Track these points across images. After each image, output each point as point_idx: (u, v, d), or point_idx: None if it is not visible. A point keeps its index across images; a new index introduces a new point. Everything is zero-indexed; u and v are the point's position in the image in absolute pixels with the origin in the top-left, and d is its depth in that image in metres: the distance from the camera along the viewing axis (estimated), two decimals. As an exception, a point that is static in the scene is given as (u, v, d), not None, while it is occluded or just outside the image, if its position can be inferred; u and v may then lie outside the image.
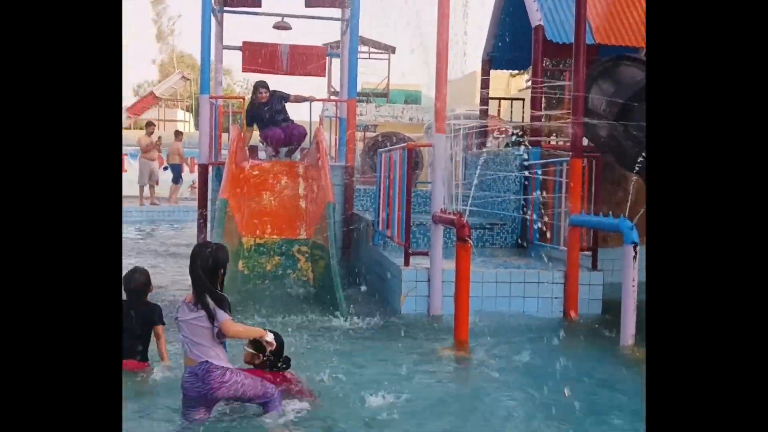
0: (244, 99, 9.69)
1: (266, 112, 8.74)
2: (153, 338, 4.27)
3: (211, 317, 3.21)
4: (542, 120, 7.37)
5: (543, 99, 7.77)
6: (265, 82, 8.87)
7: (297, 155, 9.20)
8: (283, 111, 8.89)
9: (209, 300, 3.23)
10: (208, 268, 3.29)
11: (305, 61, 9.86)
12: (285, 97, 8.92)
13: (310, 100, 9.14)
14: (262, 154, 9.54)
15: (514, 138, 8.36)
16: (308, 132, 9.22)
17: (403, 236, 6.30)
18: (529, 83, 16.75)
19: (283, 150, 8.94)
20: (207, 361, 3.23)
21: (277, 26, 10.89)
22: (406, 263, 6.16)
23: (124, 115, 28.52)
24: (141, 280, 4.27)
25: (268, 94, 8.75)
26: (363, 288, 6.89)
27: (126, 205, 15.31)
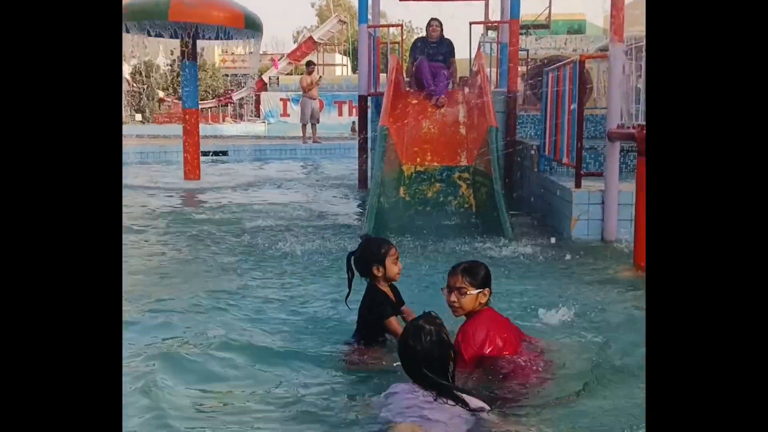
0: (402, 26, 9.48)
1: (432, 50, 8.55)
2: None
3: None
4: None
5: None
6: (438, 20, 8.68)
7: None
8: (445, 59, 8.65)
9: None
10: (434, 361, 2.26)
11: (464, -16, 9.42)
12: (452, 52, 8.71)
13: (460, 80, 8.77)
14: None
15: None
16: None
17: (574, 157, 5.85)
18: None
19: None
20: None
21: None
22: (578, 185, 5.72)
23: (286, 61, 29.56)
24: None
25: (440, 31, 8.57)
26: (530, 215, 6.54)
27: (290, 143, 15.92)
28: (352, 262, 3.13)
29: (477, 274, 2.75)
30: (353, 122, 19.93)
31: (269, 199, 8.39)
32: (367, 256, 3.10)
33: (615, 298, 3.89)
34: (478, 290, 2.73)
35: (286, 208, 7.62)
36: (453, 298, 2.74)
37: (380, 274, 3.08)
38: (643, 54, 5.97)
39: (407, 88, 8.63)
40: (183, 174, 10.00)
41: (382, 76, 9.49)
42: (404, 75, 8.74)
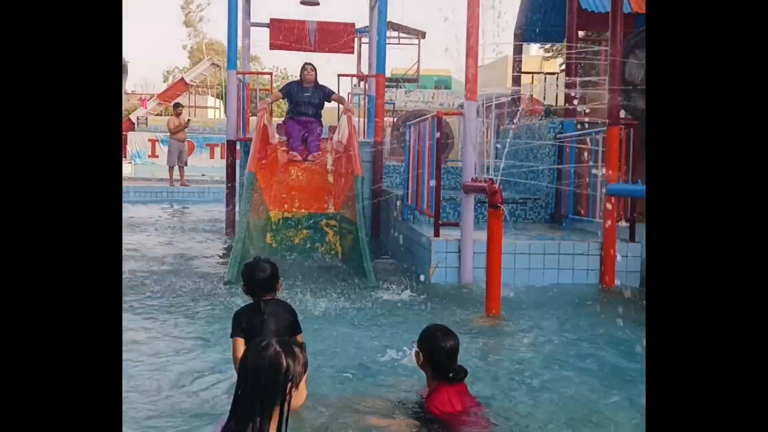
0: (272, 74, 9.61)
1: (305, 98, 8.51)
2: None
3: None
4: (577, 88, 7.14)
5: (578, 67, 7.53)
6: (313, 64, 8.61)
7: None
8: (320, 106, 8.67)
9: None
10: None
11: (334, 37, 9.71)
12: (328, 94, 8.69)
13: (349, 110, 8.71)
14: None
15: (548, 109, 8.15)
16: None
17: (433, 207, 6.15)
18: (563, 67, 16.42)
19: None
20: None
21: (304, 2, 10.78)
22: (436, 234, 6.02)
23: (155, 102, 28.80)
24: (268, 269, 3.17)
25: (314, 76, 8.54)
26: (391, 260, 6.77)
27: (157, 185, 15.45)
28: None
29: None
30: (202, 173, 19.96)
31: (133, 244, 8.11)
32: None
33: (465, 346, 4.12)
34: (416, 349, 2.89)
35: (152, 252, 7.41)
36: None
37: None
38: (493, 113, 6.44)
39: (275, 137, 8.71)
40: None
41: (252, 120, 9.51)
42: (272, 124, 8.80)
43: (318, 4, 10.82)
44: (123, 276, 6.07)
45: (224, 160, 18.09)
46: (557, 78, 10.74)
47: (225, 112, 33.51)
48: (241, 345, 2.97)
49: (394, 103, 13.74)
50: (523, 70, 10.29)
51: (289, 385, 1.88)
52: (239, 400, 1.88)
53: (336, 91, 9.13)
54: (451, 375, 2.78)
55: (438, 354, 2.79)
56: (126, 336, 3.94)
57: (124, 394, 3.13)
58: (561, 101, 9.81)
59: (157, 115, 28.92)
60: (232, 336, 3.07)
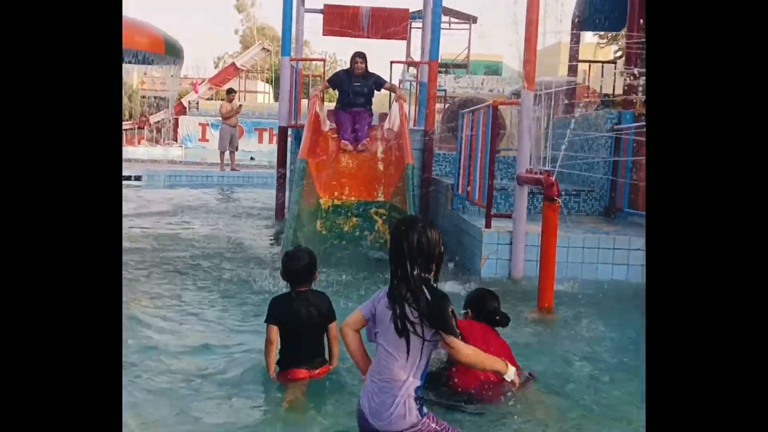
0: (324, 61, 9.62)
1: (355, 88, 8.39)
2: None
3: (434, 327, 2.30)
4: (638, 79, 6.93)
5: (639, 57, 7.30)
6: (364, 54, 8.43)
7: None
8: (370, 96, 8.52)
9: (427, 303, 2.31)
10: (421, 252, 2.31)
11: (387, 23, 9.65)
12: (380, 83, 8.54)
13: (401, 98, 8.61)
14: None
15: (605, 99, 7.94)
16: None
17: (485, 198, 6.07)
18: (618, 54, 15.97)
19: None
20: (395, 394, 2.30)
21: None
22: (488, 225, 5.94)
23: (206, 86, 29.21)
24: (304, 259, 3.28)
25: (364, 67, 8.40)
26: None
27: (207, 169, 15.68)
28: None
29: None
30: (251, 156, 20.30)
31: (186, 230, 8.24)
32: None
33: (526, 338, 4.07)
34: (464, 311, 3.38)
35: (206, 239, 7.52)
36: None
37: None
38: (552, 101, 6.31)
39: (327, 124, 8.71)
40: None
41: (304, 104, 9.54)
42: (323, 111, 8.80)
43: (371, -10, 10.76)
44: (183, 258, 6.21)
45: (272, 145, 18.25)
46: (615, 67, 10.46)
47: (274, 97, 33.96)
48: (274, 331, 3.15)
49: (445, 90, 13.59)
50: (578, 55, 10.04)
51: None
52: None
53: (387, 78, 9.06)
54: (498, 317, 3.30)
55: (485, 310, 3.32)
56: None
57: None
58: (618, 90, 9.55)
59: (208, 99, 29.36)
60: (265, 322, 3.19)
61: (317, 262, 3.35)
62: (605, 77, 10.93)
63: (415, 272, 2.30)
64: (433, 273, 2.38)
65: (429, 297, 2.29)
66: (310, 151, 7.47)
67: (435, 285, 2.37)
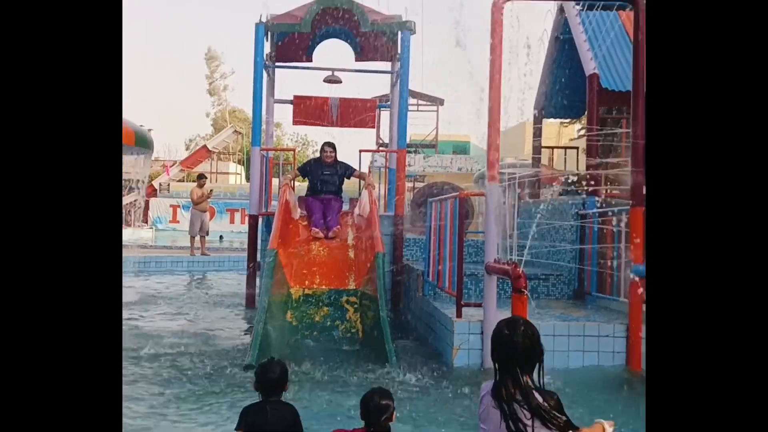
0: (294, 150, 9.77)
1: (324, 176, 8.58)
2: None
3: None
4: (599, 168, 7.16)
5: (599, 147, 7.57)
6: (333, 144, 8.68)
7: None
8: (340, 184, 8.71)
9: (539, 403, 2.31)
10: (526, 353, 2.37)
11: (355, 113, 9.91)
12: (350, 171, 8.76)
13: (370, 185, 8.75)
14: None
15: (569, 187, 8.15)
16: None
17: (455, 287, 6.12)
18: (581, 132, 16.51)
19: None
20: None
21: (327, 80, 11.03)
22: (458, 315, 5.96)
23: (177, 168, 29.35)
24: (277, 372, 3.36)
25: (334, 156, 8.63)
26: (411, 341, 6.69)
27: (178, 254, 15.55)
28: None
29: None
30: (220, 235, 20.41)
31: (155, 322, 8.10)
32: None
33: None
34: None
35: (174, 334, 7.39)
36: None
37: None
38: (516, 191, 6.46)
39: (297, 212, 8.78)
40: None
41: (275, 183, 9.59)
42: (295, 202, 8.88)
43: (341, 82, 11.07)
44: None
45: (244, 225, 18.19)
46: (577, 152, 10.80)
47: (246, 178, 34.15)
48: None
49: (414, 176, 13.87)
50: (541, 135, 10.38)
51: None
52: None
53: (357, 166, 9.24)
54: None
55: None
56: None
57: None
58: (582, 167, 9.82)
59: (179, 181, 29.43)
60: (236, 429, 3.26)
61: (288, 364, 3.43)
62: (569, 157, 11.29)
63: (524, 374, 2.34)
64: (537, 369, 2.43)
65: (539, 397, 2.33)
66: (281, 240, 7.50)
67: (541, 383, 2.41)
